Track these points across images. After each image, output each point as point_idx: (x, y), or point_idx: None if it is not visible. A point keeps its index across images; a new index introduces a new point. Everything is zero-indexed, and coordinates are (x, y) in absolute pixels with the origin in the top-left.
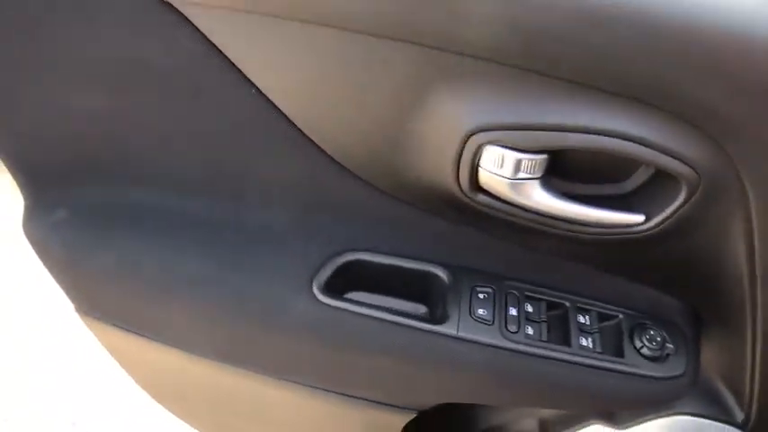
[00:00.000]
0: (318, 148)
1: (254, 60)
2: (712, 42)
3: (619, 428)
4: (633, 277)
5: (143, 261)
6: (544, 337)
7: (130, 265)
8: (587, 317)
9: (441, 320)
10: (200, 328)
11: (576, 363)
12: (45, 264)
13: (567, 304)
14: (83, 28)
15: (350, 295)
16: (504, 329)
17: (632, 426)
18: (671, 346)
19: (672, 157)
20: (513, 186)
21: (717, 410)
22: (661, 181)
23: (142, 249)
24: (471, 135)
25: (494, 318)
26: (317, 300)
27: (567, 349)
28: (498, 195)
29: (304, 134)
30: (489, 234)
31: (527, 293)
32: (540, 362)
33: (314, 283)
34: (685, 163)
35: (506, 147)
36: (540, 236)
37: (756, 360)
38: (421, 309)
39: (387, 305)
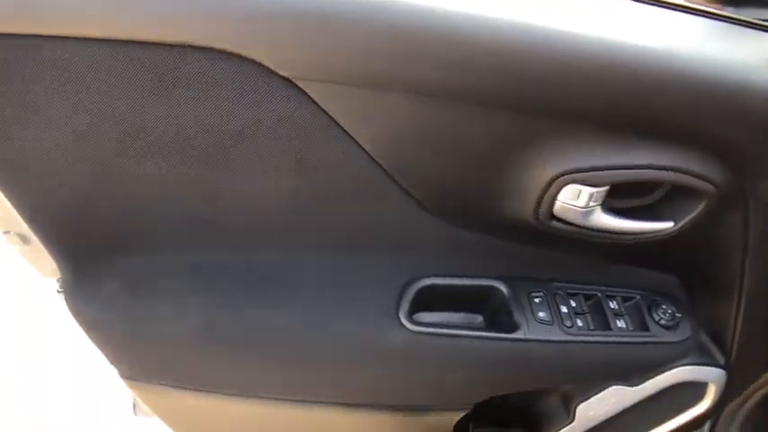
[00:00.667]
0: (407, 194)
1: (362, 125)
2: (743, 99)
3: (633, 387)
4: (644, 264)
5: (221, 323)
6: (591, 326)
7: (207, 329)
8: (614, 302)
9: (512, 329)
10: (290, 373)
11: (617, 342)
12: (94, 337)
13: (599, 294)
14: (193, 101)
15: (417, 316)
16: (562, 326)
17: (643, 382)
18: (679, 315)
19: (701, 179)
20: (584, 213)
21: (705, 358)
22: (684, 193)
23: (217, 312)
24: (556, 178)
25: (552, 318)
26: (408, 329)
27: (609, 332)
28: (570, 221)
29: (397, 183)
30: (546, 249)
31: (568, 291)
32: (591, 347)
33: (400, 314)
34: (710, 183)
35: (582, 184)
36: (586, 245)
37: (739, 319)
38: (478, 318)
39: (449, 320)
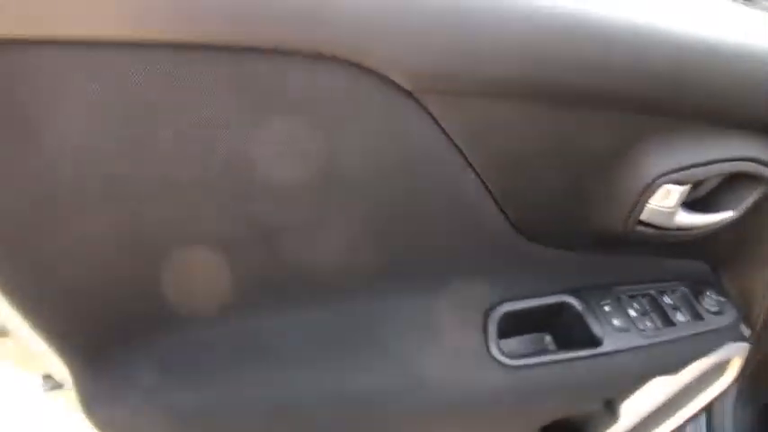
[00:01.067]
0: (501, 211)
1: (475, 138)
2: None
3: (674, 375)
4: (676, 255)
5: (295, 398)
6: (659, 325)
7: (280, 409)
8: (667, 297)
9: (596, 343)
10: None
11: (683, 336)
12: None
13: (653, 292)
14: (287, 118)
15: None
16: (638, 330)
17: (682, 369)
18: (722, 299)
19: (765, 166)
20: (670, 214)
21: (735, 334)
22: (739, 182)
23: (287, 386)
24: (657, 179)
25: (627, 324)
26: (504, 364)
27: (675, 328)
28: (656, 224)
29: (495, 199)
30: (603, 255)
31: (629, 294)
32: (663, 346)
33: (491, 349)
34: None
35: (676, 183)
36: (639, 245)
37: (766, 296)
38: (546, 338)
39: (523, 346)
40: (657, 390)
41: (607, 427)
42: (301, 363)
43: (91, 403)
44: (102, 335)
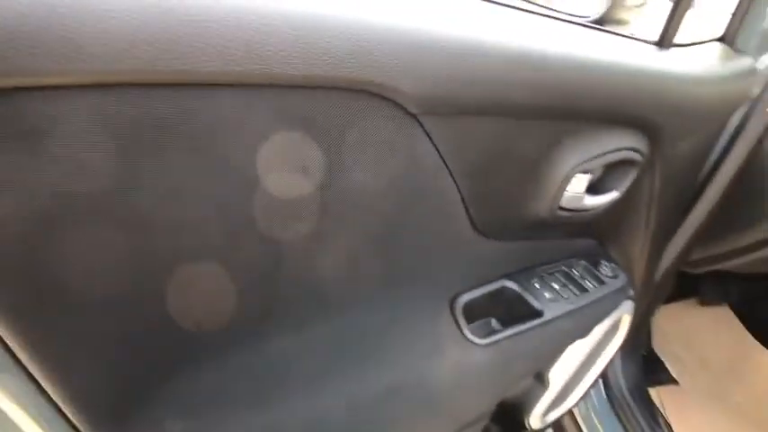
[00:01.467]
0: (467, 214)
1: (457, 151)
2: (662, 92)
3: (584, 338)
4: (572, 235)
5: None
6: (577, 292)
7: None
8: (574, 270)
9: (540, 314)
10: None
11: (594, 300)
12: None
13: (564, 268)
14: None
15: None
16: (563, 299)
17: (591, 331)
18: (614, 265)
19: (637, 153)
20: (580, 198)
21: (625, 295)
22: (615, 169)
23: (313, 402)
24: (571, 170)
25: (555, 296)
26: (479, 345)
27: (588, 294)
28: (571, 207)
29: (465, 205)
30: (524, 240)
31: (547, 272)
32: (583, 310)
33: (466, 334)
34: (642, 155)
35: (586, 172)
36: (551, 229)
37: (644, 256)
38: (492, 321)
39: (476, 330)
40: (573, 355)
41: (539, 397)
42: (322, 381)
43: None
44: (120, 387)
